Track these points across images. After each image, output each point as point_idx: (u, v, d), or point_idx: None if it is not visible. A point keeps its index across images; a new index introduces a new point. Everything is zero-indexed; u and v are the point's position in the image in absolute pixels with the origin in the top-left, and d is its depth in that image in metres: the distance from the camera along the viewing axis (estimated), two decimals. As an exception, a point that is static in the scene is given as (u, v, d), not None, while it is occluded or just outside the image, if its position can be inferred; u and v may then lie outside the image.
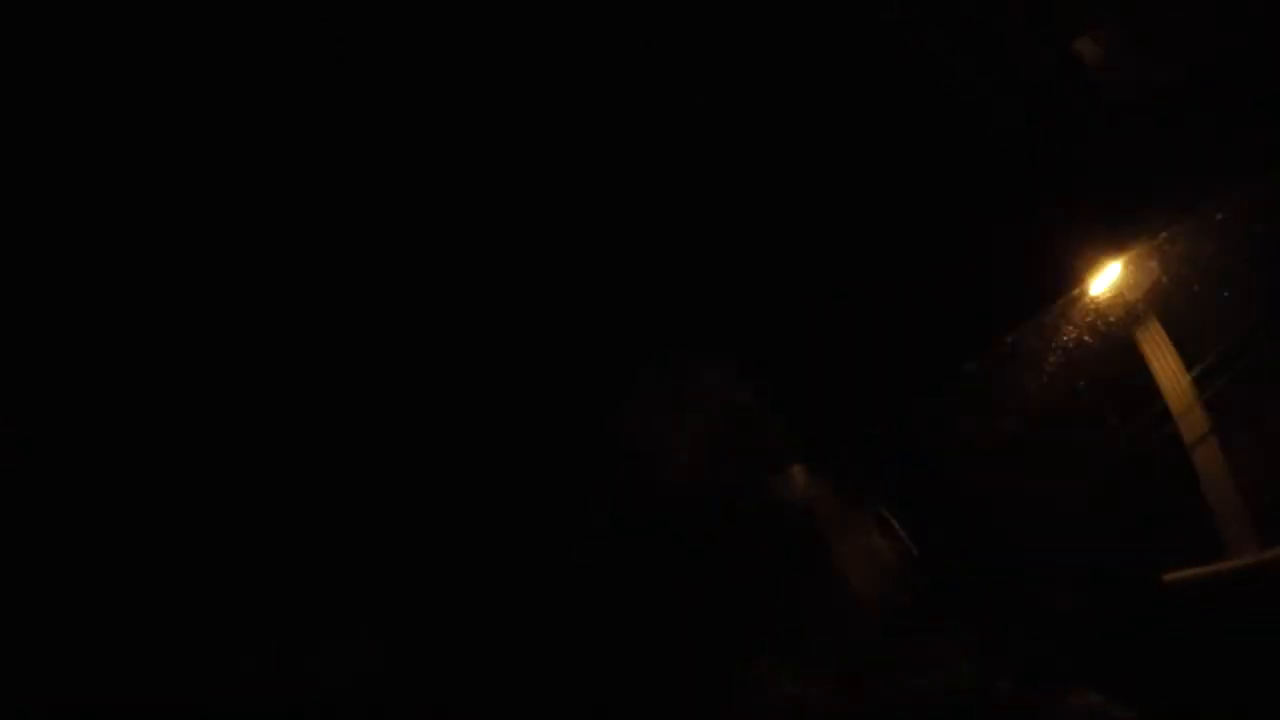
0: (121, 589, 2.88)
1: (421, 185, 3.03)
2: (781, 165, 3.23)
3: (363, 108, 2.95)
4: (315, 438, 2.96)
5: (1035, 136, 3.24)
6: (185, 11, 2.79)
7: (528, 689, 2.62)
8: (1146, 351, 3.88)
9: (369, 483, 2.94)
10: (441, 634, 2.71)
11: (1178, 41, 3.25)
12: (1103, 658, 2.98)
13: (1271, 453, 3.58)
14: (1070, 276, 3.56)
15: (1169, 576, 3.14)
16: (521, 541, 2.85)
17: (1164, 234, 3.65)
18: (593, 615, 2.74)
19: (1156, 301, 3.85)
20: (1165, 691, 2.86)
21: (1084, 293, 3.73)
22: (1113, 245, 3.48)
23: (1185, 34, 3.26)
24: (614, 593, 2.75)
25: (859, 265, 3.32)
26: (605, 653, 2.70)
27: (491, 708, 2.61)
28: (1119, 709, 2.81)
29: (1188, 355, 3.87)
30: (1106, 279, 3.77)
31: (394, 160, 2.99)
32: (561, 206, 3.09)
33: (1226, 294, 3.88)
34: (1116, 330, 3.87)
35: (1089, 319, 3.87)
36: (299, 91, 2.94)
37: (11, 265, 2.90)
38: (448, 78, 2.95)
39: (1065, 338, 3.88)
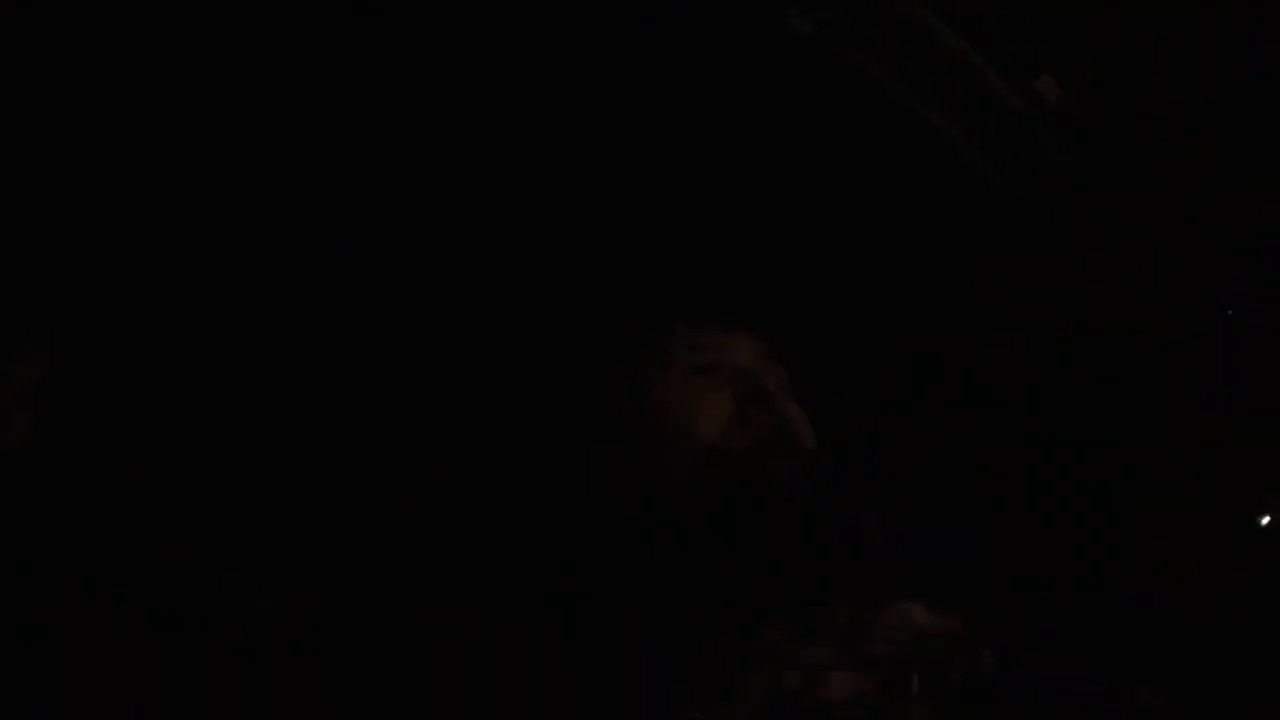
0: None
1: (451, 152, 3.02)
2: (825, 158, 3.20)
3: (360, 96, 2.99)
4: (318, 411, 2.94)
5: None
6: (184, 11, 2.84)
7: (532, 637, 2.66)
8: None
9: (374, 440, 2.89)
10: (452, 597, 2.70)
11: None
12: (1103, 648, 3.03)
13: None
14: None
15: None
16: (539, 486, 2.83)
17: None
18: (604, 572, 2.76)
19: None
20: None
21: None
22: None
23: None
24: (624, 551, 2.77)
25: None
26: (614, 614, 2.73)
27: (490, 672, 2.62)
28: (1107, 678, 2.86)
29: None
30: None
31: (406, 135, 2.99)
32: (612, 180, 3.06)
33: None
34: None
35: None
36: (296, 88, 2.99)
37: (11, 262, 2.96)
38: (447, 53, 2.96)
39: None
